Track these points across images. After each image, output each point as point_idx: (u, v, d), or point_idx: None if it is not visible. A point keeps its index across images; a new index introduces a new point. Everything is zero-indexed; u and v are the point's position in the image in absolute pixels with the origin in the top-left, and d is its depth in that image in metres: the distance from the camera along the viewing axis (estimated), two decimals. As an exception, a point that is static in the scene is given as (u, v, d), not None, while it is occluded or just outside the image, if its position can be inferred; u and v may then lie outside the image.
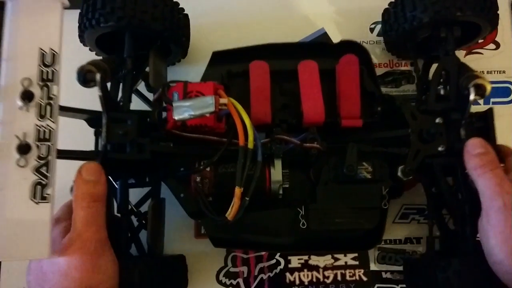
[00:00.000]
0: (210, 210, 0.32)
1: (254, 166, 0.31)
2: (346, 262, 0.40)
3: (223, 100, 0.31)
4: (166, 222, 0.38)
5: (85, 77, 0.29)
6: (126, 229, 0.34)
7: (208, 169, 0.33)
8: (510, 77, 0.42)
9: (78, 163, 0.29)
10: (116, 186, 0.34)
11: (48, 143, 0.26)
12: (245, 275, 0.40)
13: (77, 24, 0.35)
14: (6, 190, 0.25)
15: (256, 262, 0.40)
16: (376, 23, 0.44)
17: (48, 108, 0.27)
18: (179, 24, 0.36)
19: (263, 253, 0.40)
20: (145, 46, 0.36)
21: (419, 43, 0.38)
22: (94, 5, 0.33)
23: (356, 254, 0.40)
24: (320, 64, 0.36)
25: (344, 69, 0.36)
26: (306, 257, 0.40)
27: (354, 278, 0.39)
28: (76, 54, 0.34)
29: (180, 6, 0.37)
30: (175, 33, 0.36)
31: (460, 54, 0.43)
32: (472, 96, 0.32)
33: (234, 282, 0.39)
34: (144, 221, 0.36)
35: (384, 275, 0.40)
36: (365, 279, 0.40)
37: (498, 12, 0.36)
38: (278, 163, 0.33)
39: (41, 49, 0.27)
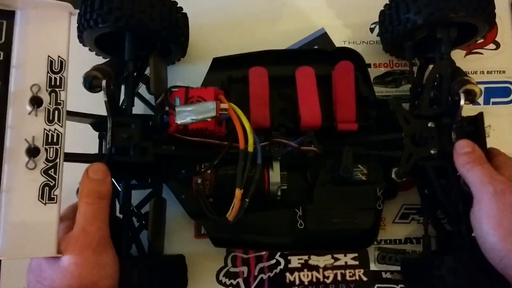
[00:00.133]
0: (211, 211, 0.33)
1: (254, 168, 0.31)
2: (346, 262, 0.39)
3: (224, 105, 0.32)
4: (167, 222, 0.38)
5: (91, 83, 0.30)
6: (128, 229, 0.34)
7: (209, 171, 0.34)
8: (510, 77, 0.42)
9: (84, 166, 0.30)
10: (119, 187, 0.34)
11: (56, 147, 0.27)
12: (245, 275, 0.40)
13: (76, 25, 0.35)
14: (15, 191, 0.26)
15: (256, 262, 0.40)
16: (376, 23, 0.43)
17: (56, 113, 0.28)
18: (178, 23, 0.36)
19: (263, 253, 0.40)
20: (145, 46, 0.36)
21: (416, 43, 0.38)
22: (92, 5, 0.33)
23: (356, 254, 0.39)
24: (317, 70, 0.37)
25: (340, 75, 0.37)
26: (306, 257, 0.40)
27: (354, 278, 0.39)
28: (76, 55, 0.34)
29: (178, 5, 0.37)
30: (173, 32, 0.36)
31: (460, 54, 0.42)
32: (462, 102, 0.33)
33: (234, 282, 0.39)
34: (144, 222, 0.36)
35: (384, 275, 0.39)
36: (365, 279, 0.39)
37: (495, 10, 0.35)
38: (276, 166, 0.34)
39: (50, 56, 0.28)
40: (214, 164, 0.33)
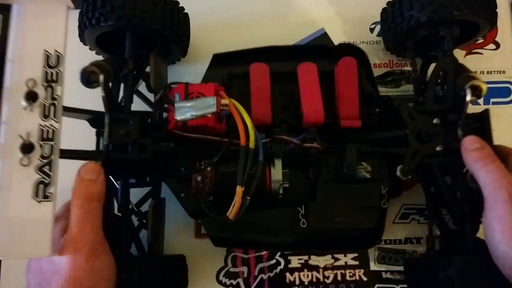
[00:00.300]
0: (211, 209, 0.32)
1: (255, 165, 0.31)
2: (346, 262, 0.40)
3: (225, 101, 0.31)
4: (166, 222, 0.38)
5: (88, 78, 0.30)
6: (127, 228, 0.34)
7: (208, 168, 0.33)
8: (510, 77, 0.42)
9: (81, 163, 0.30)
10: (117, 185, 0.34)
11: (52, 143, 0.27)
12: (245, 275, 0.39)
13: (77, 23, 0.35)
14: (9, 189, 0.26)
15: (256, 262, 0.40)
16: (376, 23, 0.43)
17: (52, 108, 0.27)
18: (179, 23, 0.36)
19: (263, 253, 0.40)
20: (146, 45, 0.36)
21: (418, 42, 0.38)
22: (94, 4, 0.32)
23: (356, 254, 0.40)
24: (319, 66, 0.36)
25: (343, 71, 0.36)
26: (306, 257, 0.40)
27: (354, 278, 0.39)
28: (76, 53, 0.34)
29: (180, 5, 0.37)
30: (175, 32, 0.36)
31: (460, 54, 0.43)
32: (468, 97, 0.32)
33: (234, 282, 0.39)
34: (144, 221, 0.36)
35: (384, 275, 0.39)
36: (365, 279, 0.39)
37: (497, 10, 0.36)
38: (278, 163, 0.34)
39: (46, 50, 0.28)
40: (214, 161, 0.32)
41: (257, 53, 0.38)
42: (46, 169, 0.26)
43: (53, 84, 0.27)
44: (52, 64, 0.28)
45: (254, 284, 0.39)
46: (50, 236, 0.26)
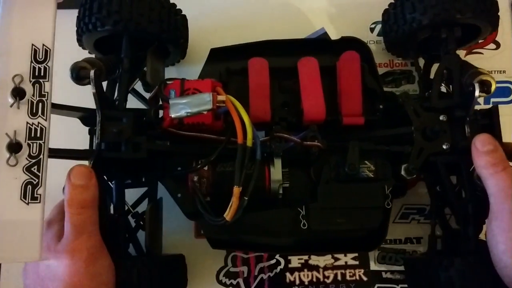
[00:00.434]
0: (208, 211, 0.31)
1: (253, 165, 0.30)
2: (346, 262, 0.40)
3: (221, 97, 0.30)
4: (166, 222, 0.37)
5: (78, 73, 0.29)
6: (123, 229, 0.33)
7: (205, 168, 0.33)
8: (510, 77, 0.43)
9: (71, 162, 0.29)
10: (111, 185, 0.33)
11: (40, 142, 0.26)
12: (245, 275, 0.39)
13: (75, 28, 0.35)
14: (-4, 190, 0.25)
15: (256, 262, 0.40)
16: (376, 23, 0.44)
17: (40, 105, 0.26)
18: (177, 25, 0.36)
19: (263, 253, 0.39)
20: (143, 48, 0.35)
21: (420, 43, 0.37)
22: (90, 9, 0.33)
23: (356, 254, 0.40)
24: (321, 61, 0.35)
25: (345, 66, 0.35)
26: (306, 257, 0.40)
27: (354, 278, 0.39)
28: (76, 54, 0.34)
29: (177, 7, 0.37)
30: (172, 34, 0.36)
31: (460, 54, 0.42)
32: (477, 93, 0.31)
33: (234, 282, 0.39)
34: (141, 222, 0.35)
35: (384, 275, 0.40)
36: (365, 279, 0.39)
37: (499, 13, 0.35)
38: (278, 162, 0.33)
39: (34, 45, 0.27)
40: (210, 160, 0.31)
41: (256, 47, 0.37)
42: (34, 169, 0.25)
43: (41, 80, 0.27)
44: (40, 59, 0.27)
45: (254, 284, 0.39)
46: (39, 239, 0.25)
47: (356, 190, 0.33)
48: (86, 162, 0.30)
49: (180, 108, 0.29)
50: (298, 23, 0.44)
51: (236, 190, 0.29)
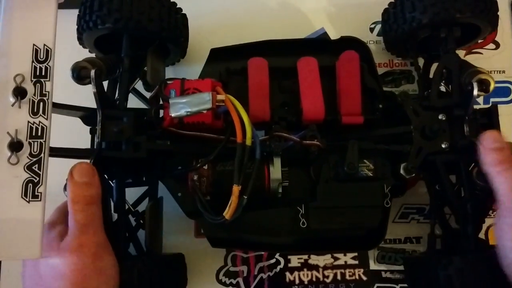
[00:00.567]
0: (207, 209, 0.31)
1: (253, 164, 0.30)
2: (345, 262, 0.40)
3: (221, 97, 0.30)
4: (166, 221, 0.37)
5: (79, 73, 0.29)
6: (124, 228, 0.33)
7: (205, 167, 0.33)
8: (510, 77, 0.43)
9: (72, 161, 0.29)
10: (112, 184, 0.33)
11: (41, 140, 0.26)
12: (245, 274, 0.39)
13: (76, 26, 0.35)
14: (-3, 189, 0.25)
15: (256, 262, 0.40)
16: (376, 22, 0.44)
17: (41, 104, 0.26)
18: (177, 24, 0.36)
19: (263, 252, 0.39)
20: (143, 47, 0.35)
21: (419, 42, 0.38)
22: (91, 7, 0.33)
23: (355, 254, 0.40)
24: (320, 61, 0.35)
25: (345, 65, 0.35)
26: (306, 257, 0.40)
27: (354, 278, 0.39)
28: (77, 54, 0.34)
29: (178, 6, 0.37)
30: (173, 33, 0.36)
31: (460, 54, 0.42)
32: (475, 91, 0.31)
33: (234, 282, 0.39)
34: (142, 221, 0.35)
35: (384, 274, 0.40)
36: (364, 278, 0.39)
37: (498, 13, 0.35)
38: (277, 161, 0.33)
39: (35, 45, 0.27)
40: (210, 159, 0.31)
41: (256, 47, 0.37)
42: (35, 167, 0.26)
43: (42, 80, 0.27)
44: (41, 59, 0.27)
45: (254, 284, 0.39)
46: (40, 237, 0.25)
47: (355, 189, 0.33)
48: (87, 161, 0.30)
49: (180, 107, 0.29)
50: (298, 23, 0.44)
51: (236, 188, 0.29)
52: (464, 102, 0.33)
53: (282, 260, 0.40)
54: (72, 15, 0.35)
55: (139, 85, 0.38)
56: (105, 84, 0.34)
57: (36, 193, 0.25)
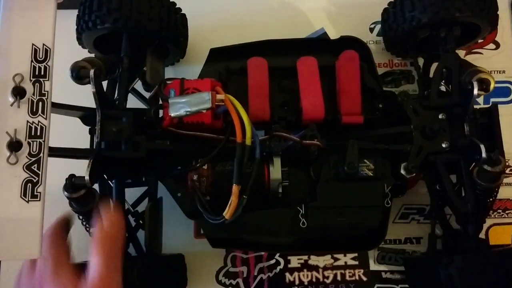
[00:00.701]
0: (207, 209, 0.31)
1: (253, 164, 0.30)
2: (345, 262, 0.40)
3: (220, 96, 0.30)
4: (166, 222, 0.37)
5: (78, 73, 0.29)
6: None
7: (205, 167, 0.33)
8: (510, 77, 0.43)
9: (72, 161, 0.29)
10: (111, 184, 0.33)
11: (40, 140, 0.26)
12: (245, 275, 0.39)
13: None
14: (-4, 188, 0.25)
15: (255, 262, 0.40)
16: (375, 23, 0.44)
17: (40, 104, 0.26)
18: (176, 24, 0.36)
19: (262, 253, 0.39)
20: (143, 47, 0.35)
21: (419, 42, 0.37)
22: (90, 7, 0.33)
23: (355, 254, 0.40)
24: (320, 61, 0.35)
25: (344, 65, 0.35)
26: (305, 257, 0.40)
27: (354, 278, 0.39)
28: (76, 54, 0.34)
29: (177, 6, 0.37)
30: (172, 33, 0.36)
31: (460, 54, 0.42)
32: (475, 91, 0.31)
33: (234, 282, 0.39)
34: (141, 221, 0.35)
35: (384, 275, 0.39)
36: (365, 279, 0.39)
37: (498, 12, 0.35)
38: (277, 161, 0.33)
39: (34, 44, 0.27)
40: (209, 159, 0.31)
41: (256, 47, 0.37)
42: (34, 167, 0.26)
43: (41, 79, 0.27)
44: (40, 59, 0.27)
45: (254, 284, 0.39)
46: (39, 236, 0.25)
47: (355, 189, 0.33)
48: (86, 161, 0.30)
49: (179, 107, 0.29)
50: (298, 23, 0.44)
51: (235, 188, 0.29)
52: (464, 101, 0.33)
53: (282, 261, 0.40)
54: (71, 15, 0.35)
55: (138, 85, 0.38)
56: (105, 84, 0.34)
57: (35, 193, 0.25)
